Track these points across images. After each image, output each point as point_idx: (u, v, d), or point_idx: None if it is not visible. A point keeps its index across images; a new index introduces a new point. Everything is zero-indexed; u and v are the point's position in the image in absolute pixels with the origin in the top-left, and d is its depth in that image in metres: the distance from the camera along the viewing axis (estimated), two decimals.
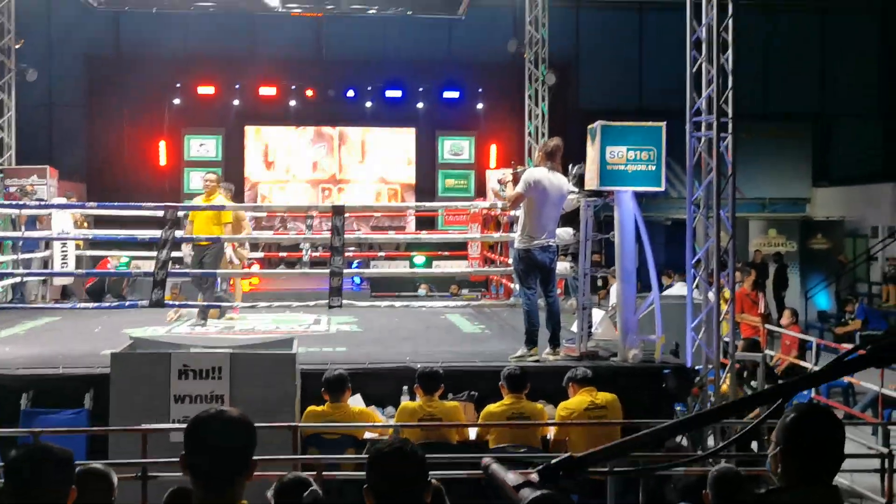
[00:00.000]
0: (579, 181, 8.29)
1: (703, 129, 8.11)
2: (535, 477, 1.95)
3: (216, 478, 2.55)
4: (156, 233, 9.30)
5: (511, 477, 2.03)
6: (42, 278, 12.41)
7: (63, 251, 12.00)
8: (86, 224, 12.91)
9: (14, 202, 12.24)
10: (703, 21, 8.05)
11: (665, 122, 7.92)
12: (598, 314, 9.35)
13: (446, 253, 15.07)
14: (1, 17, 14.75)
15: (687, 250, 8.17)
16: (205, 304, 9.43)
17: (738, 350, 8.70)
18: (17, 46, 14.93)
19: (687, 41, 8.16)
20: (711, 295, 7.97)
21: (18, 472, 2.87)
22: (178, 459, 5.54)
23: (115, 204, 11.35)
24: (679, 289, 11.54)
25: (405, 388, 7.34)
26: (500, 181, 9.24)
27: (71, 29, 18.25)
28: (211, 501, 2.55)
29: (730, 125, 7.93)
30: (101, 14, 15.66)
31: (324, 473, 5.51)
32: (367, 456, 2.87)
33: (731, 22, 7.98)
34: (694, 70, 8.14)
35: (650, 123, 7.92)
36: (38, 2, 17.46)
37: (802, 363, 10.29)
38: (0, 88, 14.86)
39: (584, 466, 1.99)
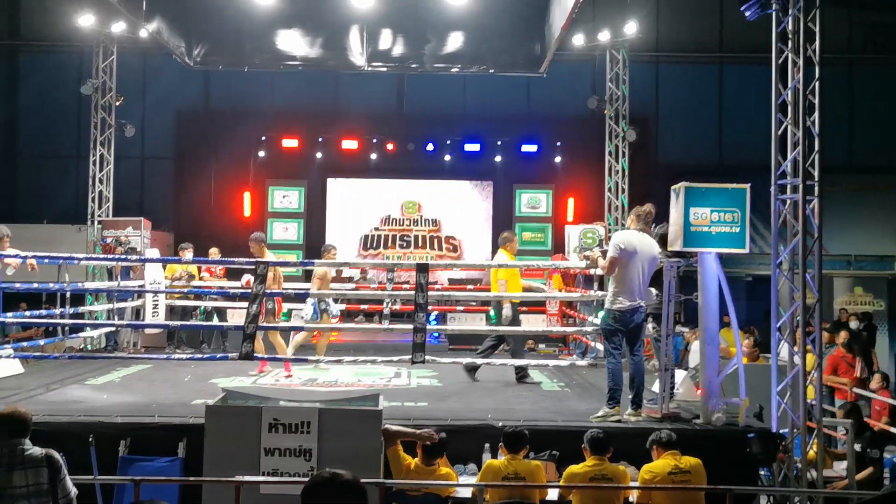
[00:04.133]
0: (660, 241, 8.34)
1: (788, 192, 8.08)
2: None
3: None
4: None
5: None
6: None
7: (154, 300, 12.44)
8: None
9: (116, 256, 12.75)
10: (789, 84, 8.06)
11: (749, 185, 7.91)
12: (679, 375, 9.31)
13: (524, 308, 15.12)
14: (104, 76, 15.52)
15: (772, 314, 8.09)
16: (292, 358, 9.66)
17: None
18: (117, 104, 15.68)
19: (772, 104, 8.16)
20: (797, 358, 7.89)
21: None
22: None
23: (211, 260, 11.72)
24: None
25: (487, 445, 7.43)
26: (588, 258, 9.32)
27: (165, 86, 19.05)
28: None
29: (816, 188, 7.89)
30: (194, 73, 16.33)
31: None
32: None
33: (817, 85, 7.98)
34: (779, 133, 8.13)
35: (734, 185, 7.91)
36: (137, 61, 18.30)
37: (893, 429, 10.02)
38: (101, 143, 15.59)
39: None
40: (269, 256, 10.73)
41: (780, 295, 8.17)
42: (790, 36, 8.08)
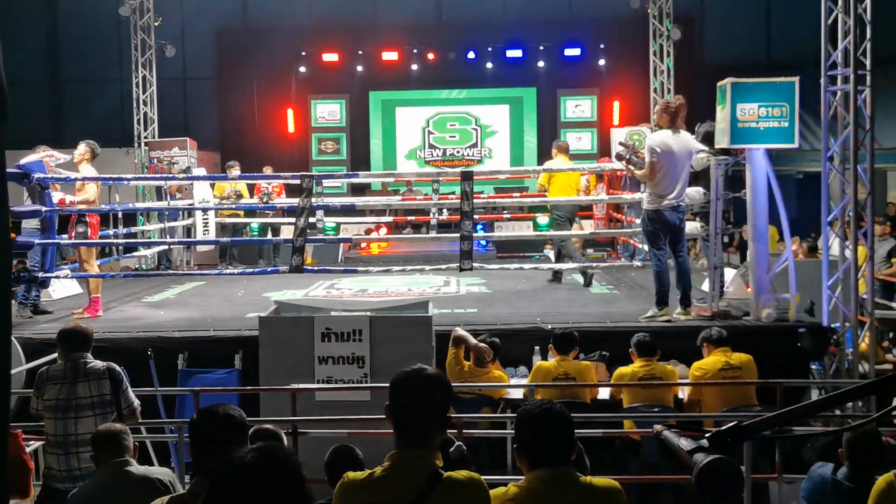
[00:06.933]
0: (705, 139, 8.20)
1: (838, 82, 7.86)
2: (704, 442, 2.06)
3: (417, 428, 2.76)
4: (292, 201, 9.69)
5: (684, 443, 2.14)
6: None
7: (204, 219, 12.60)
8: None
9: (163, 175, 12.92)
10: None
11: (798, 77, 7.71)
12: (729, 273, 9.25)
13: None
14: None
15: (822, 207, 7.98)
16: (342, 269, 9.77)
17: None
18: (156, 24, 15.62)
19: None
20: (848, 252, 7.80)
21: (203, 430, 3.18)
22: (323, 418, 5.86)
23: (256, 175, 11.78)
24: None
25: (536, 348, 7.51)
26: (624, 161, 8.79)
27: (202, 5, 18.88)
28: (411, 449, 2.76)
29: (868, 78, 7.66)
30: None
31: (463, 431, 5.72)
32: (512, 415, 3.03)
33: None
34: (829, 22, 7.87)
35: (783, 79, 7.72)
36: None
37: None
38: (143, 65, 15.62)
39: (752, 433, 2.08)
40: (88, 170, 9.43)
41: (830, 189, 8.03)
42: None
